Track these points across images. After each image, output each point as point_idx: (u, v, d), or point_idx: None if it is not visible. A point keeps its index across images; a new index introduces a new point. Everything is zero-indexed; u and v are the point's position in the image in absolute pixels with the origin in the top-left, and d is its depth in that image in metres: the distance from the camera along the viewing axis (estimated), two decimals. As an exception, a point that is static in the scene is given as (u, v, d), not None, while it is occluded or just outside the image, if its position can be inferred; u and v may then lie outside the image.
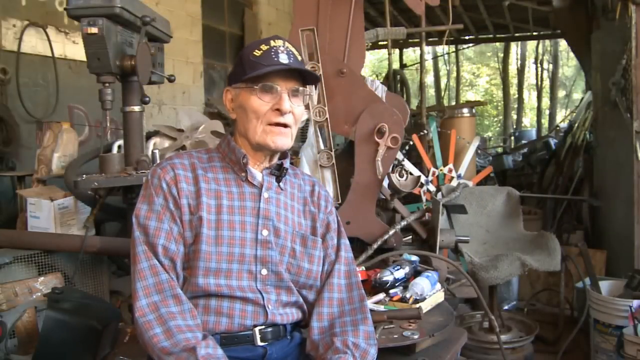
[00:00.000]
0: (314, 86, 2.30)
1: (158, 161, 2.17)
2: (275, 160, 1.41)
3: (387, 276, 1.90)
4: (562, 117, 12.07)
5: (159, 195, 1.30)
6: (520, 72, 15.27)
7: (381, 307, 1.81)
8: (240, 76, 1.32)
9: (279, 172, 1.40)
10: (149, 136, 2.92)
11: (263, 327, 1.32)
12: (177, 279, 1.29)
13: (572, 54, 9.73)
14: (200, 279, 1.27)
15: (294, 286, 1.37)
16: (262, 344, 1.32)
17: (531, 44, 14.68)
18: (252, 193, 1.36)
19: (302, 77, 1.36)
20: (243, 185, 1.36)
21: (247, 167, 1.36)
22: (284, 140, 1.33)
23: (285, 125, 1.33)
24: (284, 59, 1.29)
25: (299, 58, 1.34)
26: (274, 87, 1.30)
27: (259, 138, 1.32)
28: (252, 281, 1.31)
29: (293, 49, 1.34)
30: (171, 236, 1.28)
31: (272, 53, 1.30)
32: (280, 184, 1.41)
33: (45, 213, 2.47)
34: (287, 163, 1.41)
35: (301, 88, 1.34)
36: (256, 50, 1.30)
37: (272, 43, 1.31)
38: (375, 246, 2.30)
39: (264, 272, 1.32)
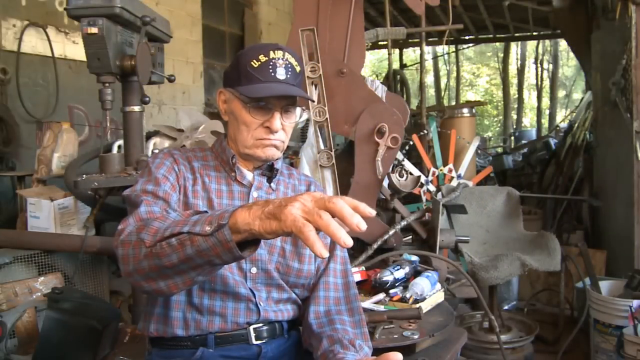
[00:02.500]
0: (314, 88, 2.31)
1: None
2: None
3: (387, 276, 1.90)
4: (562, 117, 12.08)
5: (161, 167, 1.31)
6: (520, 72, 15.27)
7: (381, 307, 1.80)
8: (234, 82, 1.30)
9: (270, 173, 1.40)
10: (149, 136, 2.92)
11: (258, 325, 1.32)
12: None
13: (572, 54, 9.73)
14: None
15: (285, 284, 1.36)
16: (257, 342, 1.31)
17: (531, 44, 14.68)
18: (241, 192, 1.36)
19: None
20: (232, 184, 1.37)
21: (236, 167, 1.36)
22: (274, 151, 1.33)
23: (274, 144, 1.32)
24: (281, 73, 1.26)
25: (298, 69, 1.31)
26: (267, 107, 1.29)
27: (248, 150, 1.33)
28: (243, 279, 1.31)
29: (292, 61, 1.30)
30: (169, 196, 1.26)
31: (270, 67, 1.26)
32: (272, 184, 1.40)
33: (45, 213, 2.47)
34: (278, 164, 1.40)
35: (293, 107, 1.33)
36: (254, 60, 1.27)
37: (272, 54, 1.27)
38: (375, 246, 2.30)
39: (254, 270, 1.32)
